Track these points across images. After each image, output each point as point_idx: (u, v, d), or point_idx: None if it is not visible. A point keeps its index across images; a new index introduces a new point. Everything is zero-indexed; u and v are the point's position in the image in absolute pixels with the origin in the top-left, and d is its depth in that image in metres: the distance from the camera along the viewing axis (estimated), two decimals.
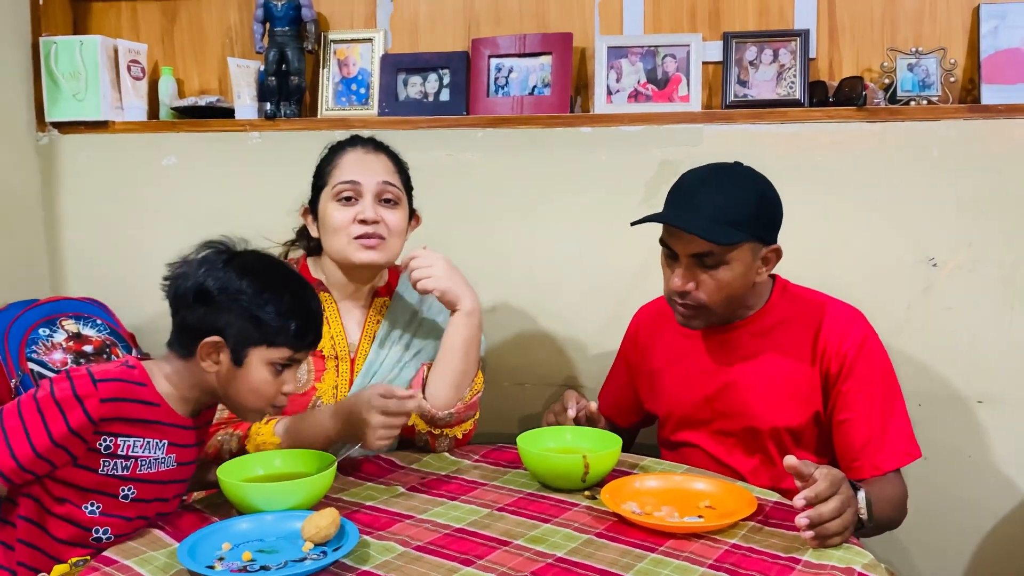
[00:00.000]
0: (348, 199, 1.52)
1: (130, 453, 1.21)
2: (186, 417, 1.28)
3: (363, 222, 1.51)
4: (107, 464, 1.20)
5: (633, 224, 1.50)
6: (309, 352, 1.31)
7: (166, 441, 1.24)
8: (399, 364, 1.59)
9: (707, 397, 1.57)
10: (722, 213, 1.41)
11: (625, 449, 1.45)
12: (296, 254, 1.70)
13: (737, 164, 1.51)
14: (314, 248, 1.64)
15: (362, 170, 1.54)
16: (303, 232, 1.68)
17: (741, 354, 1.54)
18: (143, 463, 1.22)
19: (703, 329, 1.57)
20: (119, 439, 1.20)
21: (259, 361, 1.24)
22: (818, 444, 1.54)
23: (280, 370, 1.26)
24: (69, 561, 1.20)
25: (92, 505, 1.20)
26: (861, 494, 1.23)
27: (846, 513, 1.14)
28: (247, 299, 1.23)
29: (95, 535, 1.21)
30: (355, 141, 1.60)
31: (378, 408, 1.35)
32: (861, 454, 1.46)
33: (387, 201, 1.55)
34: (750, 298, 1.54)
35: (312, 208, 1.60)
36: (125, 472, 1.21)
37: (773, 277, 1.59)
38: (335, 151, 1.59)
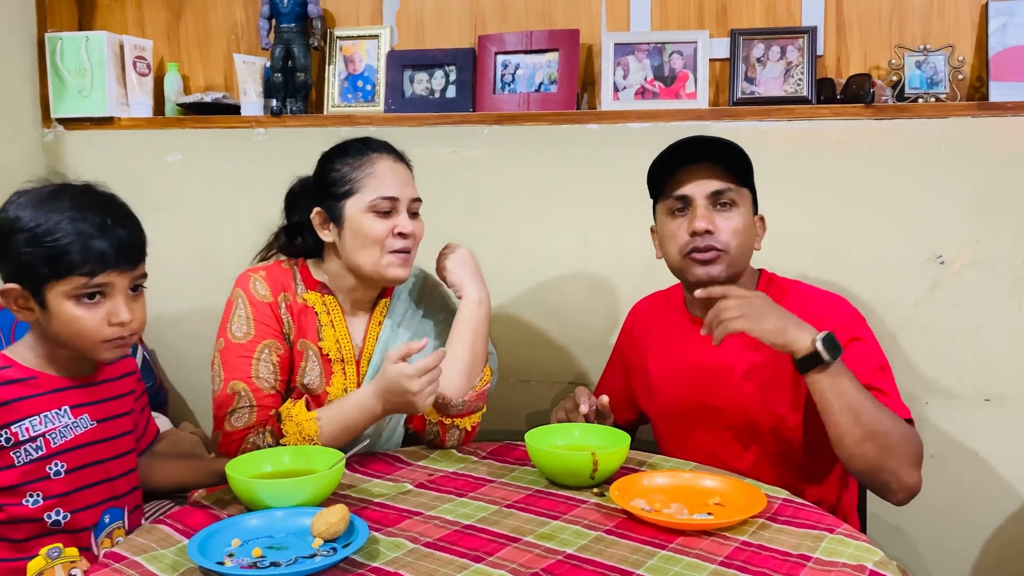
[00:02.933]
0: (387, 213, 1.51)
1: (32, 434, 1.16)
2: (78, 376, 1.22)
3: (401, 236, 1.51)
4: (19, 455, 1.16)
5: (652, 175, 1.56)
6: (121, 271, 1.18)
7: (67, 406, 1.20)
8: None
9: (700, 391, 1.57)
10: (730, 151, 1.49)
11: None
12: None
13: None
14: (311, 250, 1.60)
15: (399, 184, 1.53)
16: (286, 234, 1.63)
17: (733, 348, 1.53)
18: (53, 436, 1.17)
19: (691, 323, 1.56)
20: (13, 427, 1.16)
21: (59, 297, 1.15)
22: (819, 437, 1.52)
23: (92, 300, 1.16)
24: (41, 552, 1.18)
25: (30, 497, 1.18)
26: (823, 333, 1.31)
27: (744, 304, 1.33)
28: (23, 237, 1.14)
29: (51, 521, 1.19)
30: (379, 147, 1.56)
31: (414, 373, 1.38)
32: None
33: (414, 213, 1.56)
34: (745, 282, 1.55)
35: (331, 212, 1.53)
36: (41, 452, 1.17)
37: (759, 270, 1.61)
38: (359, 156, 1.53)
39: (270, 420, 1.46)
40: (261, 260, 1.64)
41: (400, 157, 1.59)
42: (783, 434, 1.52)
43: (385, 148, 1.58)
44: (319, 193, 1.55)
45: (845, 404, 1.33)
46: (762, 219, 1.58)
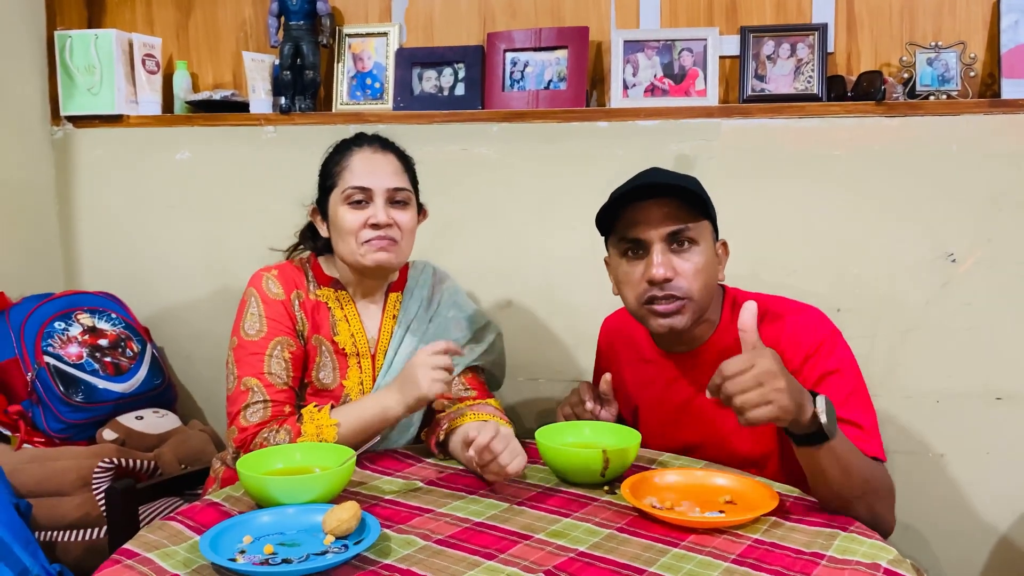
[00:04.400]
0: (359, 203, 1.51)
1: None
2: None
3: (375, 226, 1.50)
4: None
5: (601, 218, 1.43)
6: None
7: None
8: (409, 356, 1.58)
9: (674, 429, 1.51)
10: (684, 183, 1.37)
11: None
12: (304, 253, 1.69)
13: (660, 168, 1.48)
14: (323, 247, 1.63)
15: (372, 173, 1.52)
16: (306, 232, 1.66)
17: (700, 382, 1.44)
18: None
19: (660, 356, 1.50)
20: None
21: None
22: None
23: None
24: None
25: None
26: (820, 398, 1.16)
27: (767, 384, 1.12)
28: None
29: None
30: (361, 140, 1.58)
31: (427, 351, 1.40)
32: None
33: (397, 202, 1.54)
34: (711, 308, 1.45)
35: (321, 208, 1.59)
36: None
37: (722, 288, 1.52)
38: (342, 151, 1.57)
39: (287, 418, 1.46)
40: (288, 257, 1.66)
41: (385, 148, 1.57)
42: (768, 466, 1.45)
43: (369, 141, 1.57)
44: (318, 190, 1.60)
45: (839, 469, 1.20)
46: (724, 245, 1.47)
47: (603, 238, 1.49)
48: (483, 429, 1.31)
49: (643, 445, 1.51)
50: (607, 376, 1.52)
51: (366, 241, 1.50)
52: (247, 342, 1.49)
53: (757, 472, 1.44)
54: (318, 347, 1.54)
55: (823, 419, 1.16)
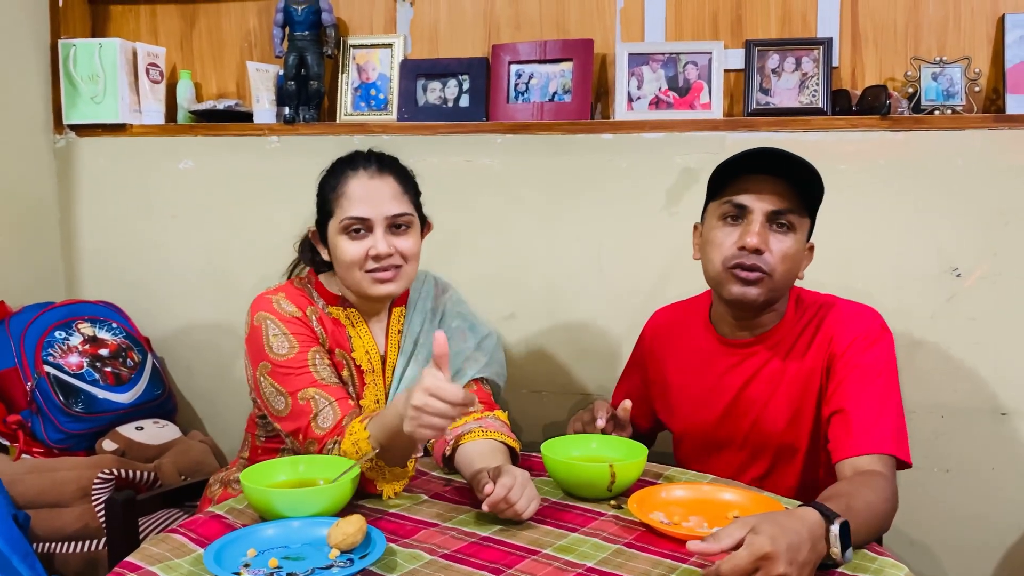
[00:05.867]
0: (358, 231, 1.46)
1: None
2: None
3: (376, 257, 1.45)
4: None
5: (719, 174, 1.44)
6: None
7: None
8: (420, 369, 1.56)
9: (723, 414, 1.54)
10: (806, 175, 1.41)
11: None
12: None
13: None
14: (322, 263, 1.57)
15: (370, 201, 1.45)
16: (304, 247, 1.62)
17: (757, 370, 1.50)
18: None
19: (718, 343, 1.53)
20: None
21: None
22: None
23: None
24: None
25: None
26: (835, 527, 1.08)
27: (789, 550, 1.01)
28: None
29: None
30: (357, 163, 1.50)
31: (426, 388, 1.18)
32: (845, 436, 1.37)
33: (399, 227, 1.48)
34: (779, 301, 1.50)
35: (320, 231, 1.53)
36: None
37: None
38: (338, 175, 1.50)
39: (344, 422, 1.39)
40: (288, 277, 1.62)
41: (382, 169, 1.49)
42: (817, 456, 1.49)
43: (365, 163, 1.49)
44: (316, 212, 1.54)
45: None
46: (812, 248, 1.51)
47: (704, 202, 1.51)
48: (499, 478, 1.23)
49: (689, 431, 1.59)
50: (626, 403, 1.51)
51: (369, 271, 1.46)
52: (282, 362, 1.43)
53: (795, 464, 1.49)
54: (342, 360, 1.51)
55: (837, 557, 1.08)
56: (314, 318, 1.50)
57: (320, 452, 1.39)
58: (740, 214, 1.43)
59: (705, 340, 1.57)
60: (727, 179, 1.45)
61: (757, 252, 1.40)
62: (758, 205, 1.41)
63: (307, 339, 1.47)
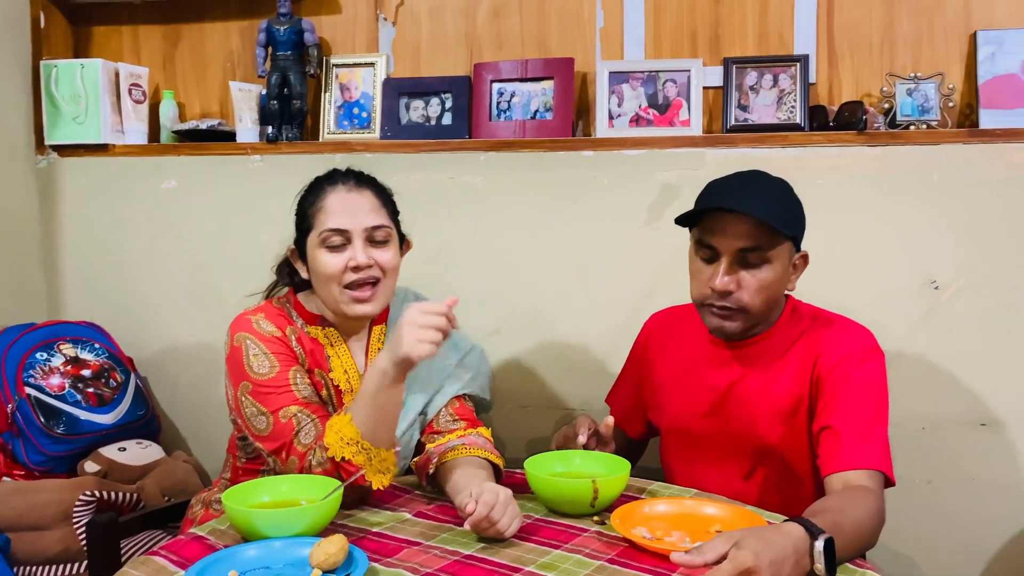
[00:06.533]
0: (337, 245, 1.46)
1: None
2: None
3: (355, 269, 1.46)
4: None
5: (683, 221, 1.47)
6: None
7: None
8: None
9: (710, 412, 1.56)
10: (772, 208, 1.41)
11: (633, 463, 1.43)
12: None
13: (761, 172, 1.51)
14: (301, 283, 1.58)
15: (348, 214, 1.46)
16: (282, 268, 1.62)
17: (748, 372, 1.53)
18: None
19: (710, 344, 1.56)
20: None
21: None
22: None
23: None
24: None
25: None
26: (819, 543, 1.08)
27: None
28: None
29: None
30: (335, 178, 1.52)
31: (418, 307, 1.32)
32: (835, 450, 1.39)
33: (377, 241, 1.49)
34: (770, 313, 1.52)
35: (299, 248, 1.53)
36: None
37: (785, 296, 1.58)
38: (316, 191, 1.51)
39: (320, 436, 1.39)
40: (267, 297, 1.62)
41: (360, 184, 1.51)
42: (793, 462, 1.51)
43: (343, 178, 1.51)
44: (295, 230, 1.55)
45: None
46: (804, 257, 1.51)
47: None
48: (481, 497, 1.23)
49: (675, 428, 1.60)
50: (609, 419, 1.53)
51: (347, 286, 1.46)
52: (263, 381, 1.43)
53: (777, 465, 1.50)
54: (322, 381, 1.51)
55: (821, 573, 1.08)
56: (293, 338, 1.50)
57: (302, 468, 1.38)
58: (712, 255, 1.45)
59: (697, 340, 1.59)
60: (699, 214, 1.46)
61: (727, 293, 1.43)
62: (726, 245, 1.42)
63: (287, 358, 1.46)
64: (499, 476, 1.48)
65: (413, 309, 1.33)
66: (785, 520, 1.15)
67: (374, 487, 1.36)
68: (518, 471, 1.48)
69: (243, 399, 1.44)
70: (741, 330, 1.48)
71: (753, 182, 1.47)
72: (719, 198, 1.44)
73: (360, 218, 1.47)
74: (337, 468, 1.34)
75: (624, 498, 1.38)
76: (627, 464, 1.41)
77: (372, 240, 1.48)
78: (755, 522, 1.24)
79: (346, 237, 1.46)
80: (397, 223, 1.56)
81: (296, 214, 1.55)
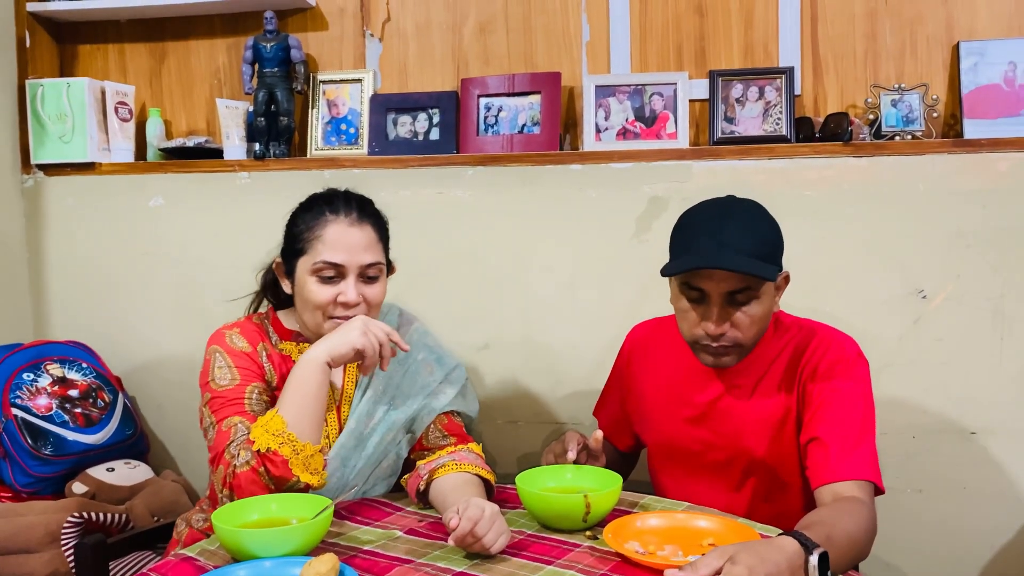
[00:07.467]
0: (330, 278, 1.46)
1: None
2: None
3: (344, 305, 1.45)
4: None
5: (667, 274, 1.44)
6: None
7: None
8: (377, 401, 1.55)
9: (696, 425, 1.55)
10: (753, 247, 1.39)
11: (625, 476, 1.42)
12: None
13: (733, 197, 1.49)
14: (284, 301, 1.58)
15: (346, 251, 1.45)
16: (268, 283, 1.62)
17: (732, 384, 1.53)
18: None
19: (694, 357, 1.54)
20: None
21: None
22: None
23: None
24: None
25: None
26: (813, 558, 1.08)
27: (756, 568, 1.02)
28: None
29: None
30: (338, 207, 1.48)
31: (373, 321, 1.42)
32: (824, 462, 1.39)
33: (369, 278, 1.49)
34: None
35: (286, 263, 1.52)
36: None
37: None
38: (316, 215, 1.48)
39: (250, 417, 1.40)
40: (247, 313, 1.62)
41: (362, 218, 1.48)
42: (782, 473, 1.51)
43: (345, 208, 1.48)
44: (284, 244, 1.54)
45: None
46: (786, 277, 1.50)
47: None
48: (465, 512, 1.22)
49: (662, 444, 1.59)
50: (598, 433, 1.51)
51: (332, 317, 1.46)
52: (220, 392, 1.44)
53: (765, 476, 1.49)
54: None
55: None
56: (264, 354, 1.50)
57: (225, 476, 1.35)
58: (700, 296, 1.43)
59: (681, 353, 1.58)
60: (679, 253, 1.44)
61: (720, 335, 1.42)
62: (714, 288, 1.40)
63: (250, 374, 1.47)
64: (491, 492, 1.47)
65: (364, 317, 1.43)
66: (779, 534, 1.14)
67: (302, 482, 1.34)
68: (509, 486, 1.48)
69: (204, 410, 1.46)
70: (737, 362, 1.48)
71: (728, 219, 1.42)
72: (700, 254, 1.39)
73: (357, 255, 1.46)
74: (262, 462, 1.32)
75: (616, 512, 1.37)
76: (619, 478, 1.40)
77: (364, 276, 1.48)
78: (748, 536, 1.24)
79: (340, 272, 1.46)
80: (387, 251, 1.55)
81: (290, 232, 1.52)
